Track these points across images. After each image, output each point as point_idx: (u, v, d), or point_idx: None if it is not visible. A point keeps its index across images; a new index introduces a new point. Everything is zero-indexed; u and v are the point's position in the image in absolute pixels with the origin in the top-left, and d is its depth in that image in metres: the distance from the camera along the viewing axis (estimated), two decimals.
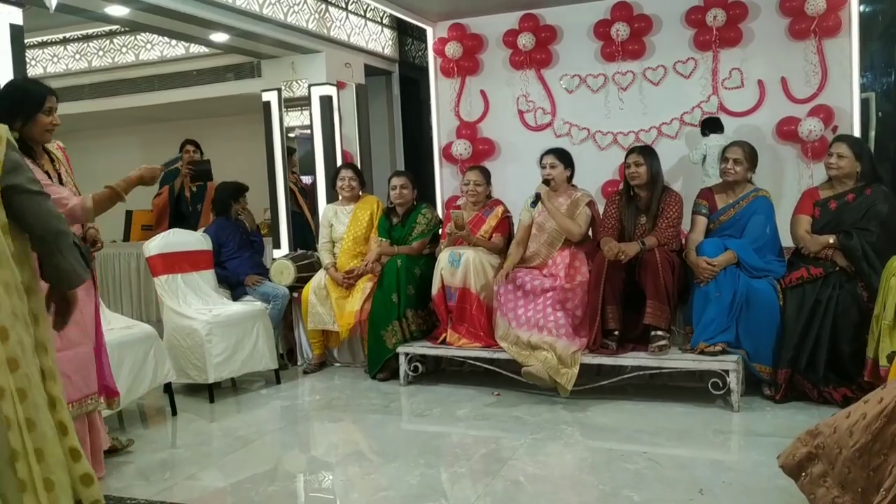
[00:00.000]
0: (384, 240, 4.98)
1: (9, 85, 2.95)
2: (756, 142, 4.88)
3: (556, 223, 4.33)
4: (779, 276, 3.96)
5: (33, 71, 6.80)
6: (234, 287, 5.03)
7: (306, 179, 6.59)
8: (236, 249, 5.12)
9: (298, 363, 5.22)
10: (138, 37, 6.87)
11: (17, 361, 1.99)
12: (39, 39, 7.16)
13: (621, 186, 4.53)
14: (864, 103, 6.04)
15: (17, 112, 2.78)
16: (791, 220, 4.13)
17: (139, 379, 3.82)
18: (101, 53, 7.08)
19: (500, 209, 4.78)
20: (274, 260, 5.51)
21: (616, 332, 4.10)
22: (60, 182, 2.99)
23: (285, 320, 5.19)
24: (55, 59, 7.25)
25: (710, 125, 5.89)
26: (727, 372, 3.78)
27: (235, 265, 5.06)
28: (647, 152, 4.30)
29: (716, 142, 5.69)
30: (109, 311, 4.17)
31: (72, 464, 2.14)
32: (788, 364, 3.80)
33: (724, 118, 5.98)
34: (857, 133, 5.70)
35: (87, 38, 7.09)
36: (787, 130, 5.87)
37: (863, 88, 5.93)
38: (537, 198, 4.37)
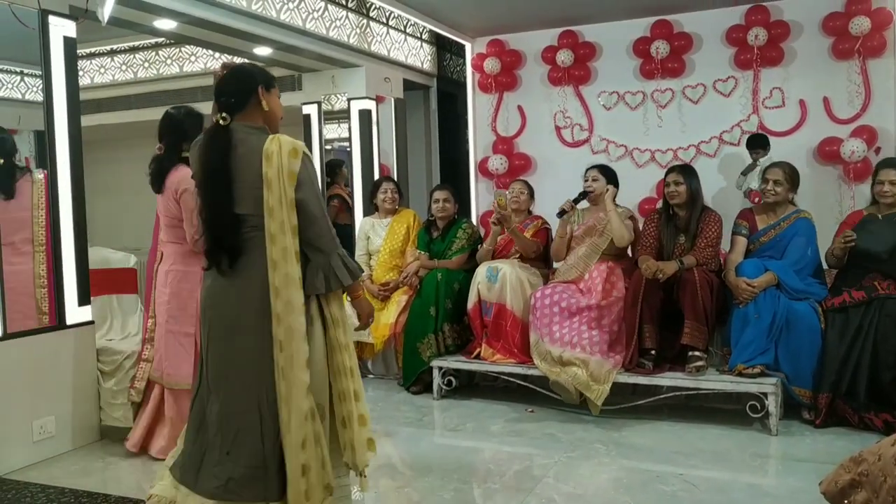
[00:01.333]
0: (423, 252, 5.01)
1: (173, 111, 3.61)
2: (797, 162, 4.82)
3: (612, 225, 4.31)
4: (820, 299, 3.91)
5: (82, 81, 6.90)
6: None
7: None
8: None
9: None
10: (183, 49, 7.01)
11: (283, 344, 2.33)
12: (88, 51, 7.34)
13: (660, 205, 4.52)
14: None
15: (184, 137, 3.44)
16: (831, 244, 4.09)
17: None
18: (146, 65, 7.23)
19: (539, 221, 4.84)
20: None
21: (653, 352, 4.07)
22: None
23: None
24: (102, 70, 7.43)
25: (755, 143, 5.78)
26: (766, 395, 3.73)
27: None
28: (686, 171, 4.29)
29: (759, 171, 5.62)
30: None
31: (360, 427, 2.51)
32: (829, 388, 3.74)
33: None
34: None
35: (134, 49, 7.25)
36: (828, 151, 5.78)
37: None
38: (563, 212, 4.39)
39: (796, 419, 3.91)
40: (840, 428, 3.76)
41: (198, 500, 2.40)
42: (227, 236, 2.35)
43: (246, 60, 6.42)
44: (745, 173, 5.76)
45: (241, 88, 2.44)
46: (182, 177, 3.42)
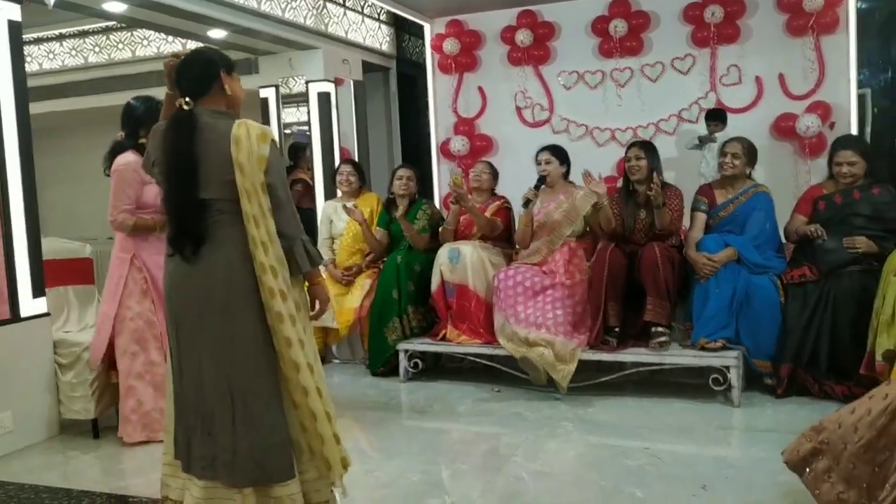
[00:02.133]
0: (384, 231, 5.01)
1: (128, 104, 3.68)
2: (754, 138, 4.88)
3: (605, 213, 4.29)
4: (779, 273, 3.98)
5: (29, 68, 6.73)
6: None
7: None
8: None
9: None
10: (135, 33, 6.83)
11: (295, 316, 2.34)
12: (35, 36, 7.12)
13: (619, 184, 4.54)
14: (861, 99, 6.05)
15: (143, 121, 3.56)
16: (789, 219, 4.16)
17: None
18: (97, 50, 7.04)
19: (501, 201, 4.84)
20: None
21: (616, 329, 4.10)
22: None
23: None
24: (51, 56, 7.21)
25: (714, 116, 5.83)
26: (728, 368, 3.79)
27: None
28: (647, 147, 4.33)
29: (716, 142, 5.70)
30: None
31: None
32: (791, 359, 3.81)
33: None
34: (854, 129, 5.71)
35: (84, 34, 7.04)
36: (784, 127, 5.87)
37: (860, 85, 5.93)
38: (528, 201, 4.40)
39: (757, 391, 3.98)
40: (801, 398, 3.83)
41: (192, 483, 2.41)
42: (192, 222, 2.33)
43: (200, 44, 6.30)
44: (700, 140, 5.81)
45: (204, 73, 2.42)
46: (120, 160, 3.55)
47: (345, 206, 5.02)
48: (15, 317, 3.64)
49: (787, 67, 5.92)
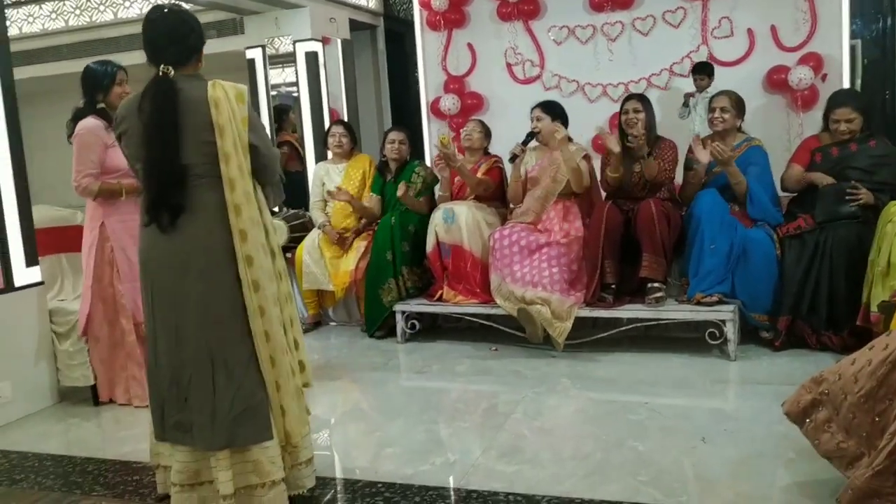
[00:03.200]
0: (377, 196, 4.97)
1: (86, 69, 3.68)
2: (746, 91, 4.84)
3: (569, 171, 4.27)
4: (775, 225, 3.98)
5: (9, 32, 6.60)
6: None
7: None
8: None
9: None
10: None
11: (259, 284, 2.34)
12: None
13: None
14: (852, 50, 6.01)
15: (95, 87, 3.62)
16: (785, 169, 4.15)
17: None
18: (78, 12, 6.88)
19: (493, 159, 4.80)
20: None
21: (613, 286, 4.11)
22: None
23: None
24: (31, 20, 7.05)
25: (701, 69, 5.79)
26: (724, 322, 3.82)
27: None
28: (644, 100, 4.32)
29: (704, 95, 5.66)
30: None
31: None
32: (789, 311, 3.84)
33: (714, 68, 5.93)
34: (846, 81, 5.68)
35: None
36: (776, 79, 5.82)
37: (852, 35, 5.89)
38: (514, 157, 4.38)
39: (753, 343, 4.01)
40: (797, 350, 3.86)
41: (174, 450, 2.41)
42: (172, 190, 2.30)
43: (184, 5, 6.17)
44: (686, 104, 5.78)
45: (193, 45, 2.41)
46: (81, 125, 3.56)
47: (328, 192, 4.98)
48: (9, 286, 3.61)
49: (779, 19, 5.85)
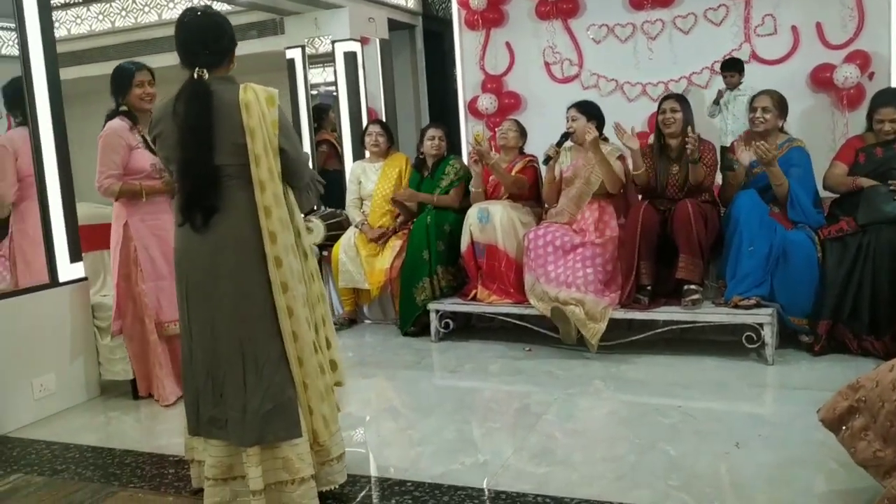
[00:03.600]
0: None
1: (113, 70, 3.73)
2: (790, 90, 4.75)
3: (603, 172, 4.24)
4: (817, 227, 3.90)
5: (58, 33, 6.76)
6: None
7: None
8: None
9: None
10: None
11: (287, 285, 2.37)
12: (63, 1, 7.14)
13: (651, 139, 4.47)
14: None
15: (117, 89, 3.69)
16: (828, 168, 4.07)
17: None
18: (124, 14, 7.04)
19: (527, 159, 4.80)
20: (303, 217, 5.53)
21: (648, 287, 4.07)
22: (151, 149, 3.55)
23: None
24: (79, 21, 7.23)
25: (731, 65, 5.69)
26: (761, 325, 3.75)
27: None
28: (681, 100, 4.26)
29: (736, 92, 5.57)
30: None
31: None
32: (830, 314, 3.76)
33: (756, 66, 5.83)
34: (894, 80, 5.54)
35: None
36: (821, 78, 5.71)
37: None
38: (548, 158, 4.36)
39: (791, 348, 3.94)
40: (836, 355, 3.79)
41: (208, 444, 2.46)
42: (206, 191, 2.35)
43: (227, 7, 6.27)
44: (716, 101, 5.70)
45: (226, 48, 2.44)
46: (107, 127, 3.63)
47: (392, 200, 5.03)
48: (54, 282, 3.71)
49: (824, 16, 5.74)
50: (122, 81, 3.67)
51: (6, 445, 3.31)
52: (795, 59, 5.87)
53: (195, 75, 2.36)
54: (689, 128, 4.10)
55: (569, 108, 4.49)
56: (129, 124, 3.65)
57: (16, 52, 3.57)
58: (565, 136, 4.43)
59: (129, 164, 3.64)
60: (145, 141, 3.63)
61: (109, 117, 3.70)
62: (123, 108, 3.68)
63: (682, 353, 4.02)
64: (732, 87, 5.59)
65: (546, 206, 4.67)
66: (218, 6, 6.43)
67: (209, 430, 2.44)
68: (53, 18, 3.82)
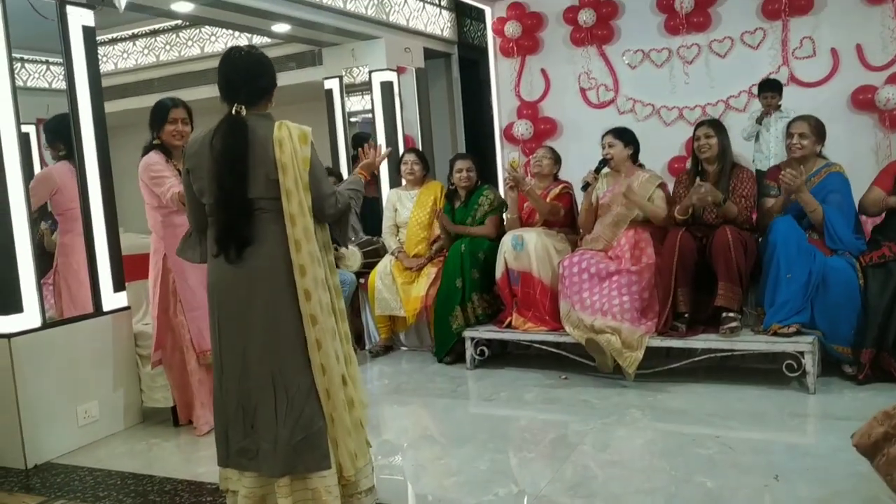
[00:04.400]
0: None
1: (155, 103, 3.81)
2: (830, 112, 4.71)
3: (644, 211, 4.24)
4: (858, 253, 3.83)
5: (105, 67, 6.99)
6: None
7: None
8: None
9: (366, 347, 5.30)
10: (203, 30, 7.02)
11: (316, 318, 2.42)
12: (109, 37, 7.38)
13: (689, 165, 4.44)
14: None
15: (152, 124, 3.76)
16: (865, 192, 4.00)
17: None
18: (168, 48, 7.26)
19: (562, 185, 4.80)
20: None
21: (686, 315, 4.02)
22: None
23: (353, 306, 5.27)
24: (125, 56, 7.47)
25: (768, 86, 5.60)
26: (802, 353, 3.68)
27: None
28: (716, 125, 4.22)
29: (779, 114, 5.49)
30: None
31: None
32: (873, 343, 3.66)
33: (795, 89, 5.77)
34: None
35: (155, 32, 7.28)
36: (862, 99, 5.64)
37: None
38: (586, 185, 4.36)
39: (835, 376, 3.85)
40: (881, 384, 3.68)
41: (239, 475, 2.49)
42: (240, 223, 2.41)
43: (266, 40, 6.41)
44: (759, 121, 5.59)
45: (266, 87, 2.51)
46: (145, 159, 3.70)
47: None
48: (98, 310, 3.81)
49: (864, 37, 5.69)
50: (158, 116, 3.76)
51: (51, 472, 3.39)
52: (835, 81, 5.82)
53: (233, 111, 2.43)
54: (712, 150, 4.07)
55: (604, 135, 4.48)
56: (164, 157, 3.72)
57: (63, 85, 3.69)
58: (603, 162, 4.42)
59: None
60: (178, 174, 3.69)
61: (146, 150, 3.78)
62: (157, 142, 3.76)
63: (721, 382, 3.95)
64: (772, 108, 5.52)
65: (581, 232, 4.66)
66: (258, 39, 6.61)
67: (238, 461, 2.47)
68: (101, 53, 3.95)
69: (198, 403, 3.73)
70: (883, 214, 4.00)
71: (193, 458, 3.50)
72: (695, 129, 4.27)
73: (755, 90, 5.96)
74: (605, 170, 4.48)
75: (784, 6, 5.82)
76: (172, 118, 3.74)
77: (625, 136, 4.43)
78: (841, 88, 5.77)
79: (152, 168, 3.67)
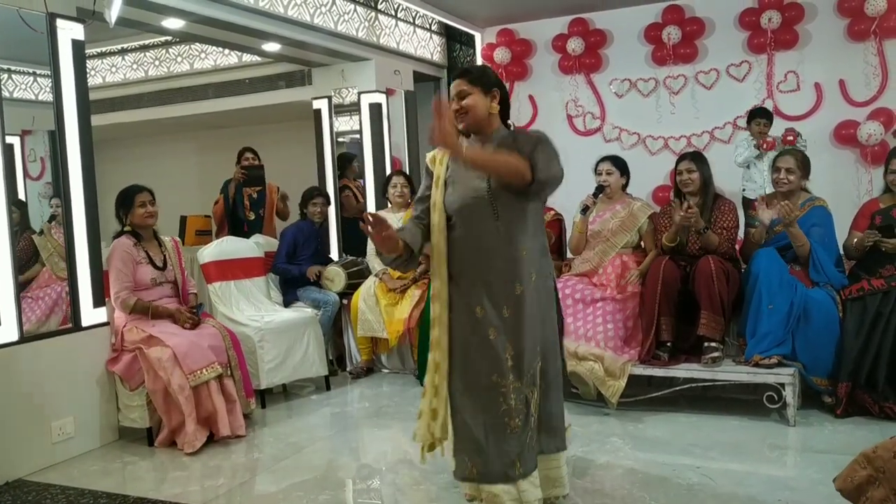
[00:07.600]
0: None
1: (119, 192, 4.06)
2: (813, 146, 4.75)
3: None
4: (839, 287, 3.86)
5: (93, 81, 6.97)
6: (300, 283, 5.16)
7: None
8: (311, 255, 5.25)
9: (347, 368, 5.27)
10: (193, 46, 7.01)
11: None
12: (98, 50, 7.36)
13: (672, 196, 4.47)
14: None
15: (121, 210, 4.05)
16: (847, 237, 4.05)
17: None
18: (157, 63, 7.25)
19: (552, 212, 4.80)
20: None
21: (668, 344, 4.03)
22: (163, 266, 4.06)
23: (335, 327, 5.24)
24: (114, 70, 7.45)
25: (759, 113, 5.61)
26: (783, 385, 3.69)
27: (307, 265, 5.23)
28: (698, 158, 4.25)
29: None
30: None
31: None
32: (848, 378, 3.70)
33: (779, 122, 5.83)
34: None
35: (144, 48, 7.26)
36: (845, 134, 5.72)
37: None
38: (586, 208, 4.37)
39: (815, 409, 3.87)
40: (860, 417, 3.71)
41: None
42: None
43: (256, 58, 6.42)
44: (758, 146, 5.59)
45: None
46: (115, 244, 4.02)
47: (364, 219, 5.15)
48: (76, 326, 3.76)
49: (847, 73, 5.78)
50: (126, 202, 4.03)
51: (23, 489, 3.32)
52: (819, 115, 5.90)
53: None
54: (686, 203, 4.09)
55: (601, 162, 4.47)
56: (134, 241, 3.98)
57: (50, 97, 3.68)
58: (600, 188, 4.42)
59: (136, 276, 3.94)
60: (148, 256, 4.02)
61: (116, 236, 4.02)
62: (127, 228, 4.03)
63: (702, 412, 3.96)
64: (764, 135, 5.51)
65: (570, 256, 4.67)
66: (248, 58, 6.62)
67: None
68: (89, 66, 3.94)
69: (188, 421, 3.69)
70: None
71: (168, 478, 3.44)
72: (677, 163, 4.30)
73: (740, 122, 6.04)
74: (600, 195, 4.50)
75: (770, 40, 5.91)
76: (140, 202, 4.02)
77: (620, 165, 4.45)
78: (824, 123, 5.85)
79: (115, 262, 3.91)
